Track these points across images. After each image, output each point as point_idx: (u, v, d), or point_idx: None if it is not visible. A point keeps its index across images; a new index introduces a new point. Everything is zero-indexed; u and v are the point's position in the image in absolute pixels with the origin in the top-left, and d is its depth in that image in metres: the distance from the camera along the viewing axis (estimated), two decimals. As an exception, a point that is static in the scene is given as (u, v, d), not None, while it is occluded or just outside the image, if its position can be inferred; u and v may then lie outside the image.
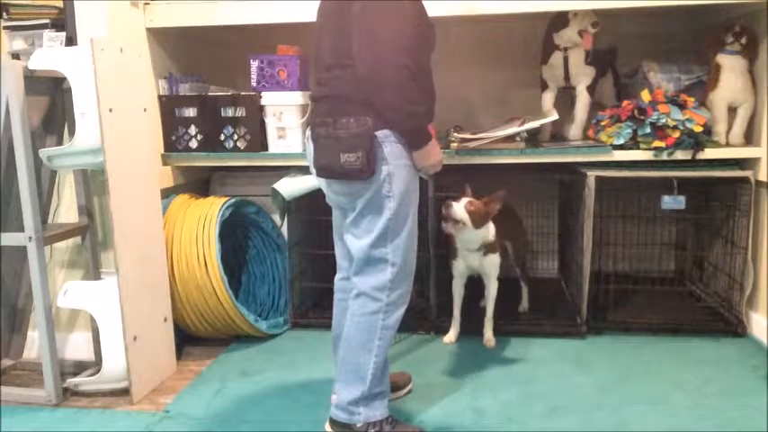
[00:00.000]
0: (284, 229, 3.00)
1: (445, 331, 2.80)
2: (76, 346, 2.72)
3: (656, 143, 2.66)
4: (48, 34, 2.48)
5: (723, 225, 2.89)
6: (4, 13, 2.53)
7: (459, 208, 2.44)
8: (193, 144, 2.90)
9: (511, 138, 2.73)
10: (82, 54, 2.22)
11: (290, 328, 3.00)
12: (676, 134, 2.64)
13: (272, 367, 2.60)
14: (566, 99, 3.04)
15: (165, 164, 2.89)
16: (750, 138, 2.77)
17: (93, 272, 2.62)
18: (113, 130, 2.24)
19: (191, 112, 2.87)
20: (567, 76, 2.90)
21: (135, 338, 2.33)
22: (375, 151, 1.83)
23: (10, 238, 2.35)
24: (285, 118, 2.82)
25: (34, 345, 2.70)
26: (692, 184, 2.71)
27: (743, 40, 2.68)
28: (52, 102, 2.56)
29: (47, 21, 2.50)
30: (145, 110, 2.45)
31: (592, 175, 2.71)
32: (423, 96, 1.87)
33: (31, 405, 2.35)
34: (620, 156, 2.71)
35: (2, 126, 2.39)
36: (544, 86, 3.00)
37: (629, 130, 2.70)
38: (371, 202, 1.87)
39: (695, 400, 2.22)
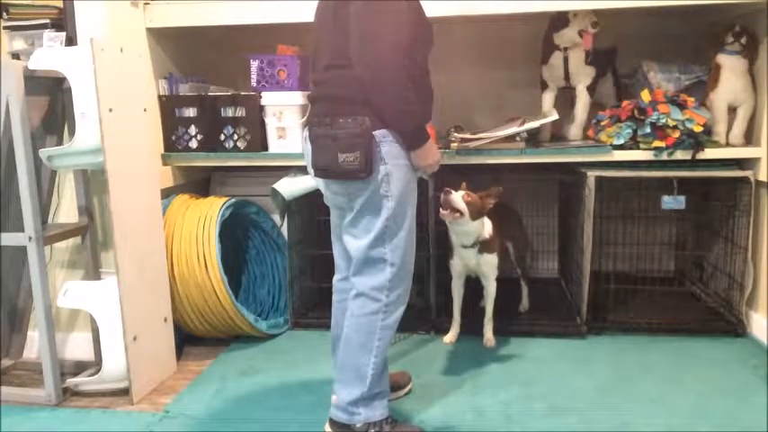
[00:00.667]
0: (284, 229, 3.00)
1: (445, 331, 2.80)
2: (76, 346, 2.72)
3: (656, 143, 2.66)
4: (48, 34, 2.48)
5: (723, 225, 2.89)
6: (4, 13, 2.53)
7: (458, 197, 2.44)
8: (193, 144, 2.90)
9: (511, 138, 2.73)
10: (82, 54, 2.22)
11: (290, 328, 3.00)
12: (676, 134, 2.64)
13: (272, 367, 2.60)
14: (566, 99, 3.03)
15: (165, 164, 2.89)
16: (750, 138, 2.77)
17: (93, 272, 2.62)
18: (113, 130, 2.25)
19: (191, 112, 2.87)
20: (567, 76, 2.90)
21: (135, 338, 2.33)
22: (373, 151, 1.83)
23: (10, 238, 2.35)
24: (285, 118, 2.82)
25: (34, 345, 2.70)
26: (692, 184, 2.71)
27: (743, 40, 2.68)
28: (52, 102, 2.56)
29: (47, 21, 2.50)
30: (145, 110, 2.45)
31: (592, 175, 2.71)
32: (420, 96, 1.87)
33: (31, 405, 2.35)
34: (620, 156, 2.71)
35: (2, 126, 2.39)
36: (544, 86, 3.00)
37: (629, 130, 2.70)
38: (370, 202, 1.87)
39: (695, 400, 2.22)
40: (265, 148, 2.87)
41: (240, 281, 3.15)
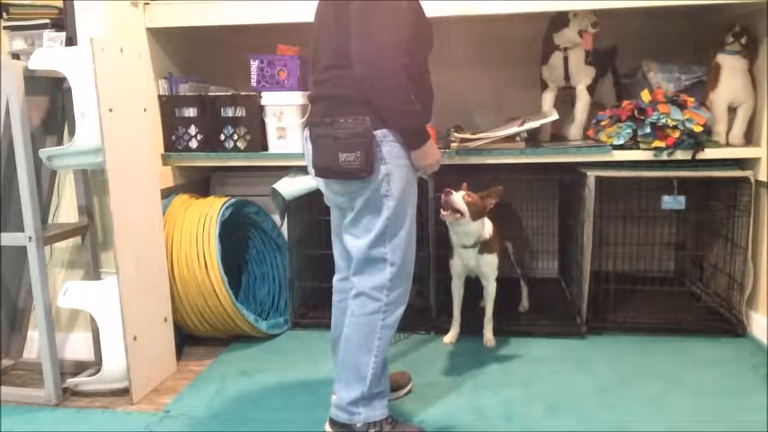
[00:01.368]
0: (284, 229, 3.00)
1: (445, 331, 2.80)
2: (76, 346, 2.72)
3: (656, 143, 2.66)
4: (48, 34, 2.48)
5: (723, 225, 2.89)
6: (4, 13, 2.53)
7: (458, 198, 2.43)
8: (193, 144, 2.90)
9: (511, 138, 2.73)
10: (82, 54, 2.22)
11: (290, 328, 3.00)
12: (676, 134, 2.64)
13: (272, 367, 2.60)
14: (566, 99, 3.03)
15: (165, 164, 2.89)
16: (750, 138, 2.77)
17: (93, 272, 2.62)
18: (113, 130, 2.25)
19: (191, 112, 2.87)
20: (567, 76, 2.90)
21: (135, 338, 2.33)
22: (374, 151, 1.83)
23: (10, 238, 2.35)
24: (285, 118, 2.82)
25: (34, 345, 2.70)
26: (692, 184, 2.71)
27: (743, 40, 2.68)
28: (52, 102, 2.56)
29: (47, 21, 2.50)
30: (145, 110, 2.45)
31: (592, 175, 2.71)
32: (421, 96, 1.87)
33: (31, 405, 2.35)
34: (620, 156, 2.71)
35: (2, 126, 2.39)
36: (544, 86, 3.00)
37: (629, 130, 2.70)
38: (370, 201, 1.88)
39: (695, 400, 2.22)
40: (265, 148, 2.87)
41: (240, 281, 3.15)
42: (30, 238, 2.29)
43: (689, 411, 2.15)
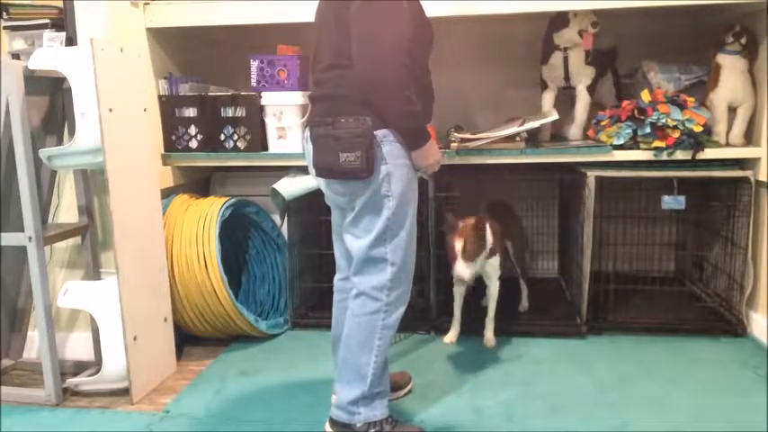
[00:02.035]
0: (284, 229, 3.00)
1: (445, 331, 2.80)
2: (76, 346, 2.72)
3: (656, 143, 2.66)
4: (48, 34, 2.48)
5: (723, 225, 2.89)
6: (4, 13, 2.53)
7: (463, 268, 2.35)
8: (193, 144, 2.90)
9: (511, 138, 2.73)
10: (82, 54, 2.22)
11: (290, 328, 3.00)
12: (676, 134, 2.64)
13: (272, 367, 2.60)
14: (566, 99, 3.03)
15: (165, 164, 2.89)
16: (750, 138, 2.77)
17: (93, 272, 2.62)
18: (113, 130, 2.25)
19: (191, 112, 2.87)
20: (567, 76, 2.90)
21: (135, 338, 2.33)
22: (374, 151, 1.83)
23: (10, 238, 2.35)
24: (285, 118, 2.82)
25: (34, 345, 2.70)
26: (692, 184, 2.71)
27: (743, 40, 2.68)
28: (52, 102, 2.56)
29: (47, 21, 2.50)
30: (145, 110, 2.45)
31: (592, 175, 2.71)
32: (421, 96, 1.87)
33: (31, 405, 2.35)
34: (620, 156, 2.71)
35: (2, 126, 2.39)
36: (544, 86, 3.00)
37: (629, 130, 2.70)
38: (371, 201, 1.88)
39: (695, 400, 2.22)
40: (265, 148, 2.87)
41: (240, 281, 3.15)
42: (30, 238, 2.29)
43: (689, 411, 2.15)
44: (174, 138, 2.89)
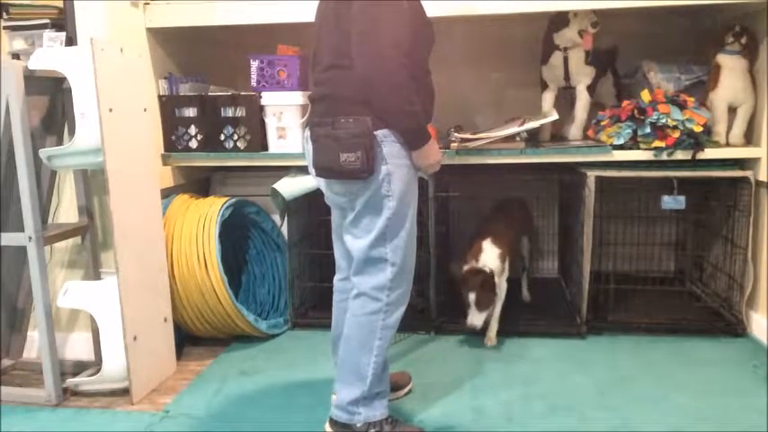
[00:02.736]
0: (284, 229, 3.00)
1: (445, 331, 2.80)
2: (76, 346, 2.72)
3: (656, 143, 2.66)
4: (48, 34, 2.47)
5: (723, 225, 2.89)
6: (4, 13, 2.53)
7: (477, 318, 2.54)
8: (193, 144, 2.90)
9: (511, 138, 2.73)
10: (82, 54, 2.22)
11: (290, 328, 3.00)
12: (676, 134, 2.64)
13: (272, 367, 2.60)
14: (566, 99, 3.03)
15: (165, 164, 2.89)
16: (750, 138, 2.77)
17: (93, 272, 2.62)
18: (113, 130, 2.25)
19: (191, 112, 2.87)
20: (567, 76, 2.89)
21: (135, 338, 2.33)
22: (374, 151, 1.83)
23: (10, 238, 2.35)
24: (285, 118, 2.82)
25: (34, 345, 2.70)
26: (692, 184, 2.71)
27: (743, 40, 2.68)
28: (52, 102, 2.56)
29: (47, 21, 2.50)
30: (145, 110, 2.45)
31: (592, 175, 2.71)
32: (421, 96, 1.87)
33: (31, 405, 2.35)
34: (620, 156, 2.71)
35: (2, 126, 2.39)
36: (544, 86, 3.00)
37: (629, 130, 2.70)
38: (371, 201, 1.87)
39: (695, 400, 2.22)
40: (265, 148, 2.87)
41: (240, 281, 3.15)
42: (30, 238, 2.29)
43: (689, 411, 2.15)
44: (174, 138, 2.89)
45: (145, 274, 2.42)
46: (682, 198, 2.69)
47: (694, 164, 2.68)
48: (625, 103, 2.78)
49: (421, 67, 1.93)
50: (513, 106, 3.26)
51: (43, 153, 2.31)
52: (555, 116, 2.80)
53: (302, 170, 2.74)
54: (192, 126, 2.88)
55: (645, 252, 3.29)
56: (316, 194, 2.32)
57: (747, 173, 2.67)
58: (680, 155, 2.67)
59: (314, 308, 3.12)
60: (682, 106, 2.68)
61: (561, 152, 2.76)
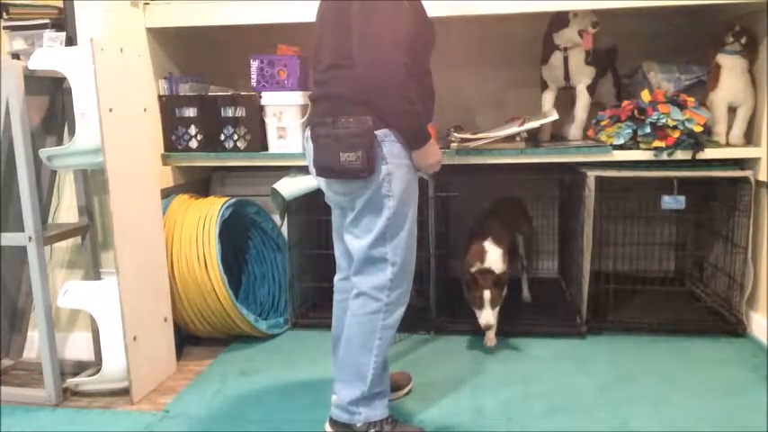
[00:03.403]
0: (284, 229, 3.00)
1: (445, 331, 2.80)
2: (76, 346, 2.72)
3: (656, 143, 2.66)
4: (48, 34, 2.47)
5: (723, 225, 2.89)
6: (4, 13, 2.53)
7: (490, 316, 2.53)
8: (193, 144, 2.90)
9: (511, 138, 2.73)
10: (82, 54, 2.22)
11: (290, 328, 3.00)
12: (676, 134, 2.64)
13: (272, 367, 2.60)
14: (566, 99, 3.03)
15: (165, 164, 2.89)
16: (750, 138, 2.77)
17: (93, 272, 2.62)
18: (113, 130, 2.25)
19: (191, 112, 2.87)
20: (567, 76, 2.89)
21: (135, 338, 2.33)
22: (375, 150, 1.83)
23: (10, 238, 2.35)
24: (285, 118, 2.82)
25: (34, 345, 2.70)
26: (692, 184, 2.71)
27: (743, 40, 2.68)
28: (52, 102, 2.56)
29: (47, 21, 2.50)
30: (145, 110, 2.45)
31: (592, 175, 2.71)
32: (422, 96, 1.87)
33: (31, 405, 2.35)
34: (620, 156, 2.71)
35: (2, 126, 2.39)
36: (544, 86, 3.00)
37: (629, 130, 2.70)
38: (371, 201, 1.87)
39: (695, 400, 2.22)
40: (265, 148, 2.87)
41: (240, 281, 3.15)
42: (30, 238, 2.29)
43: (689, 411, 2.15)
44: (174, 138, 2.89)
45: (145, 274, 2.42)
46: (682, 198, 2.69)
47: (694, 164, 2.68)
48: (625, 103, 2.78)
49: (421, 66, 1.93)
50: (513, 106, 3.26)
51: (43, 153, 2.31)
52: (555, 116, 2.80)
53: (302, 170, 2.74)
54: (192, 126, 2.88)
55: (645, 252, 3.30)
56: (316, 194, 2.32)
57: (747, 173, 2.67)
58: (680, 155, 2.67)
59: (314, 308, 3.13)
60: (682, 106, 2.68)
61: (561, 152, 2.76)
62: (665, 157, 2.67)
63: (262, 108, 2.83)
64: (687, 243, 3.31)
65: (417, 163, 1.93)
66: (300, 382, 2.46)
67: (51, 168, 2.45)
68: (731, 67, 2.71)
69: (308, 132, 1.97)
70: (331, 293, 2.20)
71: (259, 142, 2.85)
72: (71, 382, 2.41)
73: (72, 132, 2.43)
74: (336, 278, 2.19)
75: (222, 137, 2.86)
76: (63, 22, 2.50)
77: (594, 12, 2.70)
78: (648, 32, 3.16)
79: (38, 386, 2.39)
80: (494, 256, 2.62)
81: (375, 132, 1.82)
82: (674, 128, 2.64)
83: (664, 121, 2.63)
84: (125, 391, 2.35)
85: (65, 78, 2.30)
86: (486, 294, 2.51)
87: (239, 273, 3.16)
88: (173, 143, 2.89)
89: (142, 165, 2.42)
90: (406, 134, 1.86)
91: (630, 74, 3.12)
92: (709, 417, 2.11)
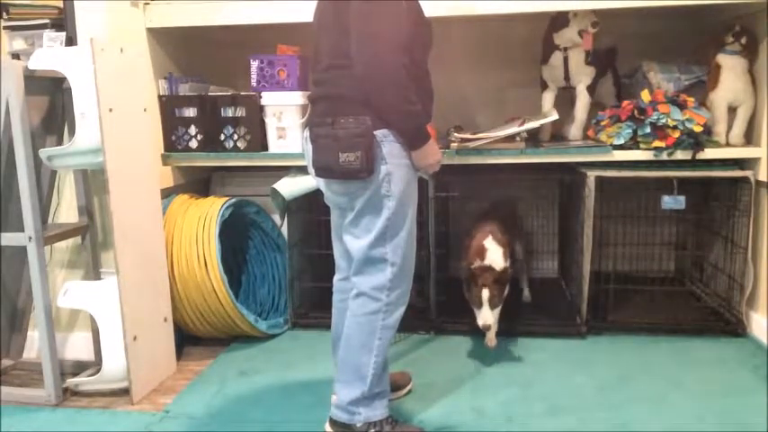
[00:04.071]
0: (284, 229, 3.00)
1: (445, 331, 2.80)
2: (76, 346, 2.72)
3: (656, 143, 2.66)
4: (48, 34, 2.48)
5: (723, 225, 2.89)
6: (4, 13, 2.53)
7: (489, 316, 2.45)
8: (193, 144, 2.90)
9: (511, 138, 2.73)
10: (82, 54, 2.22)
11: (290, 328, 3.00)
12: (676, 134, 2.64)
13: (272, 367, 2.60)
14: (566, 99, 3.03)
15: (165, 164, 2.89)
16: (750, 138, 2.77)
17: (93, 272, 2.62)
18: (113, 130, 2.25)
19: (191, 112, 2.87)
20: (567, 76, 2.89)
21: (135, 338, 2.33)
22: (374, 151, 1.83)
23: (10, 238, 2.35)
24: (285, 118, 2.82)
25: (34, 345, 2.70)
26: (692, 184, 2.71)
27: (743, 40, 2.68)
28: (52, 102, 2.56)
29: (47, 21, 2.50)
30: (145, 110, 2.45)
31: (592, 175, 2.71)
32: (421, 96, 1.87)
33: (31, 405, 2.35)
34: (620, 156, 2.71)
35: (2, 126, 2.39)
36: (544, 86, 2.99)
37: (629, 130, 2.70)
38: (370, 201, 1.87)
39: (695, 400, 2.22)
40: (265, 148, 2.87)
41: (240, 281, 3.15)
42: (30, 238, 2.29)
43: (689, 411, 2.15)
44: (174, 138, 2.89)
45: (145, 274, 2.42)
46: (682, 198, 2.69)
47: (694, 164, 2.68)
48: (625, 103, 2.78)
49: (420, 66, 1.93)
50: (513, 106, 3.25)
51: (43, 153, 2.31)
52: (555, 116, 2.80)
53: (302, 170, 2.74)
54: (192, 126, 2.88)
55: (645, 252, 3.30)
56: (316, 194, 2.32)
57: (747, 173, 2.67)
58: (680, 155, 2.67)
59: (314, 308, 3.12)
60: (682, 106, 2.68)
61: (561, 152, 2.76)
62: (665, 157, 2.67)
63: (262, 108, 2.83)
64: (687, 243, 3.31)
65: (417, 163, 1.93)
66: (300, 382, 2.46)
67: (51, 168, 2.45)
68: (731, 67, 2.71)
69: (307, 133, 1.97)
70: (331, 293, 2.20)
71: (259, 142, 2.85)
72: (71, 382, 2.41)
73: (72, 132, 2.43)
74: (336, 278, 2.19)
75: (222, 137, 2.86)
76: (63, 22, 2.50)
77: (594, 12, 2.70)
78: (648, 32, 3.16)
79: (38, 386, 2.39)
80: (494, 254, 2.60)
81: (374, 132, 1.82)
82: (674, 128, 2.64)
83: (664, 121, 2.63)
84: (125, 391, 2.35)
85: (65, 78, 2.30)
86: (485, 293, 2.47)
87: (239, 273, 3.16)
88: (173, 143, 2.89)
89: (142, 165, 2.43)
90: (405, 134, 1.86)
91: (630, 74, 3.12)
92: (709, 417, 2.11)
